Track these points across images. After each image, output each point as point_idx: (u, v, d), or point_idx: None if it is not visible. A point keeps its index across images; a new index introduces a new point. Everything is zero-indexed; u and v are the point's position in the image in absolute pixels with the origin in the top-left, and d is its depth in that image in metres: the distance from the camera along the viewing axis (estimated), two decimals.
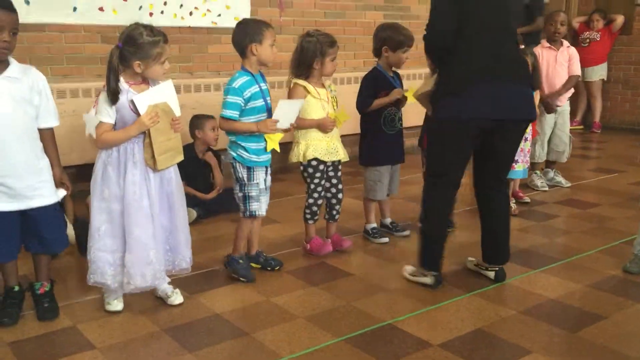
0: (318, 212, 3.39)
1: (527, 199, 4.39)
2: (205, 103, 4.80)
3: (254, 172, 3.01)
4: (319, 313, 2.72)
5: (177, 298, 2.80)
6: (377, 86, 3.49)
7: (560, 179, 4.95)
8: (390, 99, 3.46)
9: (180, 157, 2.72)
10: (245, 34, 2.91)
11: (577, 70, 4.79)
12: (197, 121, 4.24)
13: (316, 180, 3.32)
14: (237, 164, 2.99)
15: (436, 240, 2.96)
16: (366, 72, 3.59)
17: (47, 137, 2.59)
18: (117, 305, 2.72)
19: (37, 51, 4.22)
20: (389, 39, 3.47)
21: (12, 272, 2.65)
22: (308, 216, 3.38)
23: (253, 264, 3.18)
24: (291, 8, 5.44)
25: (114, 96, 2.51)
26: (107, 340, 2.48)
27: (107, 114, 2.54)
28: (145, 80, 2.61)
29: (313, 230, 3.44)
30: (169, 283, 2.83)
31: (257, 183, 3.02)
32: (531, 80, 3.23)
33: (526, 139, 4.07)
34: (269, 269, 3.18)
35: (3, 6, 2.38)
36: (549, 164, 4.94)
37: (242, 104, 2.90)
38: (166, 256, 2.74)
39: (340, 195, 3.43)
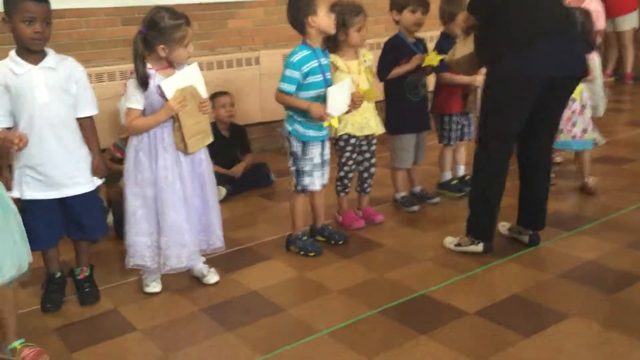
0: (349, 184, 3.38)
1: (560, 159, 4.31)
2: (228, 79, 4.79)
3: (309, 147, 3.00)
4: (353, 286, 2.74)
5: (212, 277, 2.85)
6: (397, 53, 3.42)
7: (596, 134, 4.82)
8: (412, 66, 3.39)
9: (210, 139, 2.74)
10: (299, 9, 2.88)
11: (599, 24, 4.61)
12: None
13: (347, 154, 3.31)
14: (292, 138, 3.00)
15: (492, 209, 2.91)
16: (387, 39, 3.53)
17: (86, 125, 2.61)
18: (155, 286, 2.78)
19: (59, 38, 4.22)
20: (393, 0, 3.42)
21: (54, 258, 2.71)
22: (340, 188, 3.39)
23: (318, 237, 3.20)
24: None
25: (143, 82, 2.53)
26: (148, 321, 2.54)
27: (136, 100, 2.57)
28: (171, 65, 2.61)
29: (345, 203, 3.45)
30: (204, 262, 2.88)
31: (312, 158, 3.02)
32: (587, 38, 3.26)
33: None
34: (332, 242, 3.19)
35: None
36: None
37: (300, 79, 2.91)
38: (200, 236, 2.78)
39: (372, 170, 3.42)
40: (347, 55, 3.21)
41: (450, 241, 3.06)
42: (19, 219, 2.20)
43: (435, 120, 3.77)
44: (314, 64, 2.92)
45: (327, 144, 3.11)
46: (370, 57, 3.30)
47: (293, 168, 3.05)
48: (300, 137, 2.98)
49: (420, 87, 3.49)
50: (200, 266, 2.86)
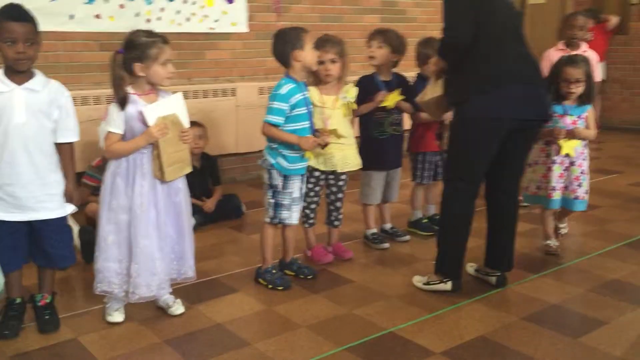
0: (312, 217, 3.38)
1: (525, 203, 4.38)
2: (204, 109, 4.79)
3: (290, 181, 3.02)
4: (321, 321, 2.72)
5: (178, 308, 2.80)
6: (365, 91, 3.44)
7: None
8: (373, 104, 3.42)
9: (189, 169, 2.72)
10: (286, 42, 2.93)
11: (596, 76, 4.64)
12: None
13: (310, 186, 3.31)
14: (274, 171, 2.99)
15: (458, 247, 2.95)
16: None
17: (64, 151, 2.58)
18: (118, 316, 2.72)
19: (36, 60, 4.20)
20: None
21: (16, 283, 2.64)
22: (303, 220, 3.38)
23: (287, 272, 3.18)
24: (288, 13, 5.44)
25: (121, 102, 2.52)
26: (109, 352, 2.47)
27: (117, 125, 2.55)
28: (154, 90, 2.62)
29: (312, 237, 3.44)
30: (170, 293, 2.82)
31: (291, 192, 3.03)
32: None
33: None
34: (301, 277, 3.16)
35: (14, 17, 2.38)
36: None
37: (288, 111, 2.93)
38: (172, 265, 2.74)
39: (338, 204, 3.43)
40: (327, 89, 3.26)
41: (419, 280, 3.07)
42: None
43: (410, 158, 3.82)
44: (299, 96, 2.96)
45: (304, 179, 3.13)
46: (353, 92, 3.32)
47: (272, 201, 3.04)
48: (283, 171, 2.99)
49: (387, 126, 3.51)
50: (166, 297, 2.80)
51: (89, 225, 3.70)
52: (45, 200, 2.52)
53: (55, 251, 2.61)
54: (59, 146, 2.57)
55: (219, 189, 4.28)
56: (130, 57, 2.52)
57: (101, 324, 2.70)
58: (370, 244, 3.65)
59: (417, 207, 3.91)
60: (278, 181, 2.99)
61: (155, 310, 2.83)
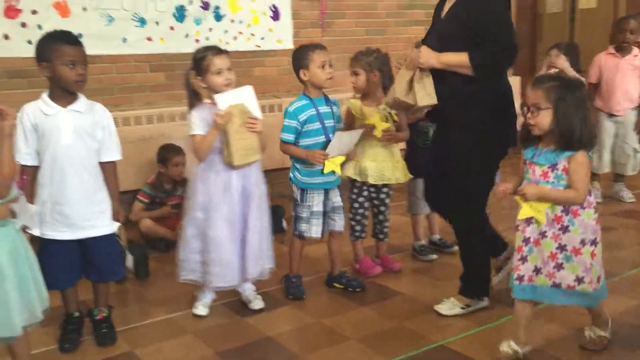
0: (357, 229, 3.39)
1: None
2: None
3: (307, 194, 3.07)
4: (370, 334, 2.72)
5: (257, 303, 2.98)
6: None
7: (623, 192, 4.74)
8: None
9: (257, 156, 2.86)
10: (295, 62, 3.04)
11: None
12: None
13: (353, 197, 3.34)
14: (293, 185, 3.10)
15: (486, 265, 2.92)
16: None
17: (108, 170, 2.69)
18: (202, 310, 2.93)
19: (89, 83, 4.33)
20: None
21: (72, 298, 2.74)
22: (350, 232, 3.39)
23: (336, 284, 3.22)
24: (332, 28, 5.50)
25: (191, 102, 2.85)
26: None
27: (198, 127, 2.78)
28: None
29: (361, 249, 3.45)
30: (253, 290, 3.03)
31: (310, 205, 3.07)
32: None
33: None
34: (350, 289, 3.18)
35: (72, 41, 2.52)
36: (616, 176, 4.75)
37: (298, 127, 3.00)
38: (245, 262, 2.86)
39: (381, 217, 3.42)
40: (369, 101, 3.28)
41: (450, 308, 2.88)
42: (35, 266, 2.22)
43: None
44: (311, 112, 3.01)
45: (336, 192, 3.13)
46: None
47: (293, 213, 3.14)
48: (299, 184, 3.07)
49: (431, 134, 3.40)
50: (247, 292, 3.01)
51: (144, 240, 3.82)
52: (93, 218, 2.62)
53: (105, 266, 2.71)
54: (103, 165, 2.68)
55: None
56: (194, 72, 2.79)
57: (157, 337, 2.78)
58: (417, 255, 3.62)
59: None
60: (297, 194, 3.08)
61: (209, 321, 2.89)
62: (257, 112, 2.82)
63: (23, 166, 2.50)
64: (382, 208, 3.40)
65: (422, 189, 3.50)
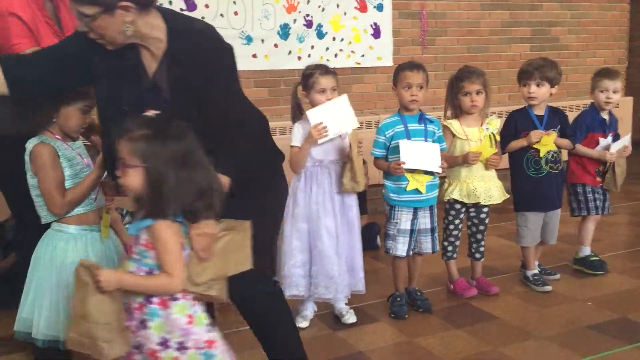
0: (450, 249, 3.33)
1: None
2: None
3: (396, 211, 3.07)
4: (464, 357, 2.66)
5: (350, 317, 3.01)
6: (516, 126, 3.32)
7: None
8: (526, 142, 3.25)
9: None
10: (393, 78, 3.09)
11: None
12: None
13: (450, 218, 3.29)
14: (385, 201, 3.12)
15: None
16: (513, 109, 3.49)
17: None
18: (302, 322, 2.98)
19: None
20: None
21: None
22: (442, 252, 3.34)
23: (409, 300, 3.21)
24: (433, 45, 5.47)
25: (297, 110, 2.99)
26: None
27: (297, 139, 2.89)
28: None
29: (454, 270, 3.38)
30: (346, 304, 3.06)
31: (397, 223, 3.07)
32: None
33: None
34: (414, 308, 3.16)
35: None
36: None
37: (386, 142, 3.04)
38: (346, 275, 2.93)
39: (479, 236, 3.34)
40: (469, 121, 3.23)
41: None
42: None
43: (568, 191, 3.58)
44: (398, 128, 3.03)
45: (426, 213, 3.08)
46: (496, 124, 3.24)
47: (385, 229, 3.16)
48: (389, 201, 3.09)
49: (543, 164, 3.29)
50: (341, 306, 3.04)
51: None
52: None
53: None
54: None
55: (364, 217, 4.36)
56: (301, 87, 2.94)
57: (250, 344, 2.85)
58: (531, 285, 3.42)
59: (585, 243, 3.63)
60: (386, 210, 3.11)
61: (301, 332, 2.92)
62: (354, 122, 2.88)
63: None
64: (482, 227, 3.33)
65: (534, 220, 3.37)
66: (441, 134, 3.10)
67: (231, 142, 1.98)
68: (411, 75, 2.99)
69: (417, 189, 3.01)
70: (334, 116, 2.83)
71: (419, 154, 2.97)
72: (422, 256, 3.19)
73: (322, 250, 2.87)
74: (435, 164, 2.99)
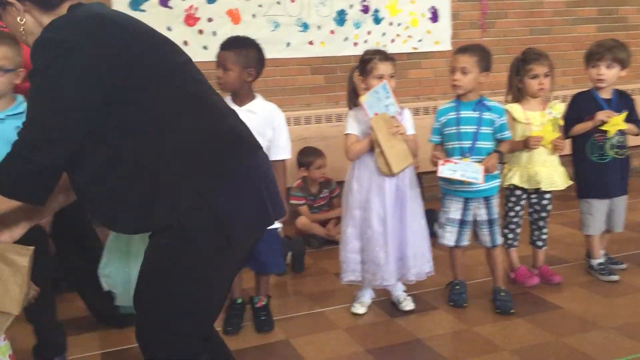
0: (511, 237, 3.26)
1: None
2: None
3: (446, 199, 3.04)
4: (526, 347, 2.61)
5: (408, 304, 3.01)
6: (580, 109, 3.21)
7: None
8: (591, 125, 3.12)
9: (411, 159, 2.90)
10: None
11: None
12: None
13: (510, 205, 3.22)
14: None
15: None
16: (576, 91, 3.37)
17: (277, 168, 2.82)
18: (359, 308, 3.00)
19: (257, 84, 4.66)
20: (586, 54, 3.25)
21: (237, 286, 2.94)
22: (503, 240, 3.25)
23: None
24: (493, 28, 5.33)
25: (353, 96, 2.95)
26: (316, 355, 2.63)
27: (352, 127, 2.91)
28: None
29: (515, 258, 3.31)
30: (404, 291, 3.05)
31: (446, 211, 3.04)
32: None
33: None
34: (497, 311, 2.96)
35: (222, 47, 2.72)
36: None
37: (440, 129, 3.02)
38: (398, 263, 2.91)
39: (541, 223, 3.26)
40: (531, 105, 3.14)
41: None
42: None
43: None
44: (451, 115, 2.97)
45: (480, 204, 2.99)
46: (559, 109, 3.14)
47: None
48: (440, 189, 3.06)
49: (608, 149, 3.16)
50: (398, 293, 3.04)
51: (300, 237, 3.99)
52: None
53: (267, 259, 2.85)
54: (273, 163, 2.82)
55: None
56: (358, 72, 2.89)
57: (311, 328, 2.90)
58: (596, 275, 3.31)
59: None
60: (441, 198, 3.06)
61: (359, 318, 2.96)
62: (394, 108, 2.84)
63: None
64: (544, 214, 3.24)
65: (598, 208, 3.25)
66: (503, 121, 2.98)
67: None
68: (456, 59, 2.94)
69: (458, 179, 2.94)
70: (381, 102, 2.82)
71: (460, 168, 2.92)
72: (495, 249, 3.06)
73: (370, 236, 2.88)
74: (476, 175, 2.88)
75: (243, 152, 1.67)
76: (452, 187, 2.99)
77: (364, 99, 2.81)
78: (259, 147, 1.77)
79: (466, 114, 2.95)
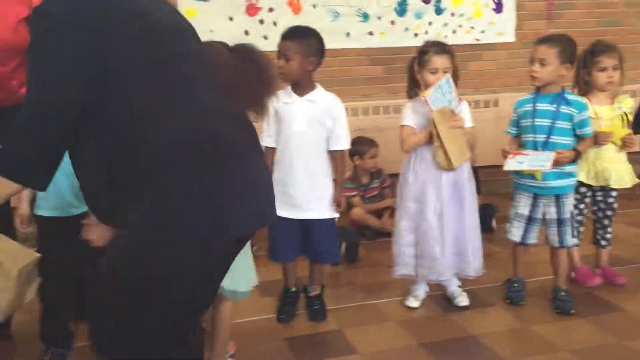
0: (575, 236, 3.13)
1: None
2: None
3: (516, 193, 2.96)
4: (586, 348, 2.53)
5: (463, 300, 2.95)
6: None
7: None
8: None
9: (469, 154, 2.85)
10: None
11: None
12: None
13: (575, 202, 3.07)
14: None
15: None
16: None
17: (336, 158, 2.84)
18: (413, 302, 2.97)
19: (314, 75, 4.67)
20: None
21: (291, 273, 2.96)
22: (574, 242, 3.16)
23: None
24: (560, 19, 5.14)
25: (413, 86, 2.89)
26: (369, 347, 2.63)
27: (409, 119, 2.86)
28: None
29: (576, 257, 3.20)
30: (459, 286, 3.00)
31: (516, 205, 2.96)
32: None
33: None
34: (556, 310, 2.89)
35: (283, 37, 2.73)
36: None
37: (518, 120, 2.94)
38: (454, 258, 2.87)
39: (605, 222, 3.14)
40: (600, 99, 3.02)
41: None
42: (248, 249, 2.37)
43: None
44: (527, 107, 2.88)
45: (550, 201, 2.88)
46: (629, 103, 3.01)
47: None
48: (512, 181, 2.98)
49: None
50: (453, 288, 2.99)
51: (354, 228, 3.99)
52: (314, 201, 2.79)
53: (322, 248, 2.86)
54: (331, 153, 2.83)
55: (479, 197, 4.24)
56: (415, 63, 2.83)
57: (363, 319, 2.89)
58: None
59: None
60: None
61: (412, 311, 2.93)
62: (455, 102, 2.79)
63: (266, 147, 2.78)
64: (609, 212, 3.12)
65: None
66: (583, 117, 2.83)
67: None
68: (535, 49, 2.84)
69: (531, 173, 2.85)
70: (445, 97, 2.77)
71: (527, 159, 2.84)
72: (562, 250, 2.96)
73: (426, 230, 2.83)
74: (544, 163, 2.78)
75: (217, 157, 1.52)
76: (522, 180, 2.91)
77: (427, 94, 2.74)
78: (253, 148, 1.66)
79: (542, 106, 2.85)
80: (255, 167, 1.63)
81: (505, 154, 2.87)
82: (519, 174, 2.90)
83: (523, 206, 2.93)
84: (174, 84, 1.53)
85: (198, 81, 1.57)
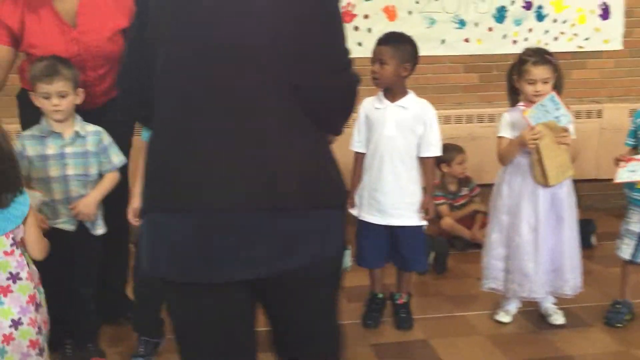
0: None
1: None
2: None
3: (629, 209, 2.81)
4: None
5: (558, 319, 2.84)
6: None
7: None
8: None
9: (571, 172, 2.73)
10: None
11: None
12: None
13: None
14: None
15: None
16: None
17: (426, 165, 2.82)
18: (503, 317, 2.89)
19: (407, 82, 4.63)
20: None
21: (379, 280, 2.95)
22: None
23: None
24: None
25: (513, 94, 2.82)
26: (454, 359, 2.57)
27: (505, 131, 2.77)
28: (528, 105, 2.72)
29: None
30: (554, 303, 2.88)
31: (627, 221, 2.81)
32: None
33: None
34: (614, 323, 2.82)
35: (378, 43, 2.74)
36: None
37: (636, 130, 2.81)
38: (549, 276, 2.76)
39: None
40: None
41: None
42: None
43: None
44: None
45: None
46: None
47: None
48: (626, 193, 2.81)
49: None
50: (547, 305, 2.88)
51: (443, 237, 3.91)
52: (402, 207, 2.76)
53: (409, 255, 2.83)
54: (422, 160, 2.80)
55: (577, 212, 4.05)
56: (513, 71, 2.75)
57: (450, 331, 2.83)
58: None
59: None
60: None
61: (503, 326, 2.84)
62: (566, 118, 2.66)
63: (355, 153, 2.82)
64: None
65: None
66: None
67: None
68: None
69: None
70: (549, 114, 2.64)
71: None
72: None
73: (519, 244, 2.72)
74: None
75: (185, 186, 1.38)
76: (635, 195, 2.76)
77: (528, 113, 2.64)
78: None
79: None
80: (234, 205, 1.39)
81: (617, 162, 2.73)
82: (631, 187, 2.74)
83: (635, 222, 2.77)
84: (176, 91, 1.45)
85: (210, 88, 1.43)
